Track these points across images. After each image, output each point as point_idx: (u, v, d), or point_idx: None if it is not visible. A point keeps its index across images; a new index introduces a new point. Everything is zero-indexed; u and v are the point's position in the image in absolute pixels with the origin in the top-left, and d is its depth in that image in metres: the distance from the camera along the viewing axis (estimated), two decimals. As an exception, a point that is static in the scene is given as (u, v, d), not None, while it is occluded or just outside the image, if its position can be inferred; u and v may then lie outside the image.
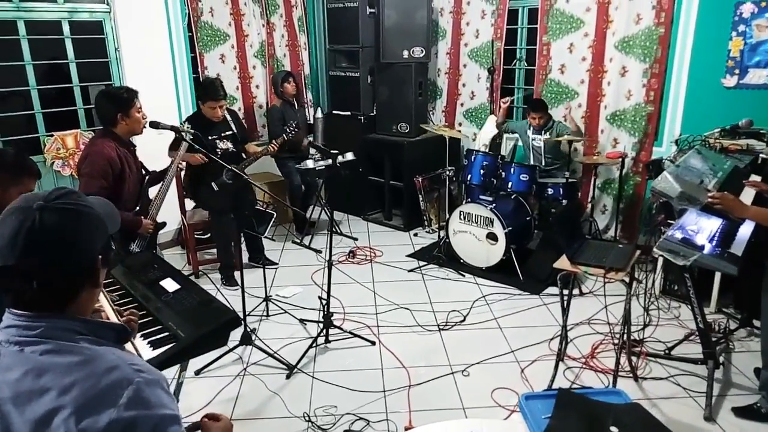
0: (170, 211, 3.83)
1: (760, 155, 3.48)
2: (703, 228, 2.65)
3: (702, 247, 2.42)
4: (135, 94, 2.98)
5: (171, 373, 2.16)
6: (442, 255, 4.52)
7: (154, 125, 3.13)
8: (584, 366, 3.09)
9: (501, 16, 5.19)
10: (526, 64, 5.34)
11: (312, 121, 5.77)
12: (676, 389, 2.87)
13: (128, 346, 1.21)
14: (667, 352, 3.15)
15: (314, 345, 3.27)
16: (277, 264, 4.52)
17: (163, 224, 3.25)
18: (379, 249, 4.88)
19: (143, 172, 3.21)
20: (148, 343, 1.84)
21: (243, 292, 3.33)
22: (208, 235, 4.80)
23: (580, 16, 4.72)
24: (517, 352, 3.25)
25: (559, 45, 4.90)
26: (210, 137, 3.92)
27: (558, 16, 4.84)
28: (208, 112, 3.90)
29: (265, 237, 3.39)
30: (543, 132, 4.73)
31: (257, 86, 5.74)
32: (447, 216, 4.62)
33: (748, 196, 2.68)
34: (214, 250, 4.71)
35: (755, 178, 3.03)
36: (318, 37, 6.24)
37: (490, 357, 3.19)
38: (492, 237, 4.28)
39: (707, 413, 2.63)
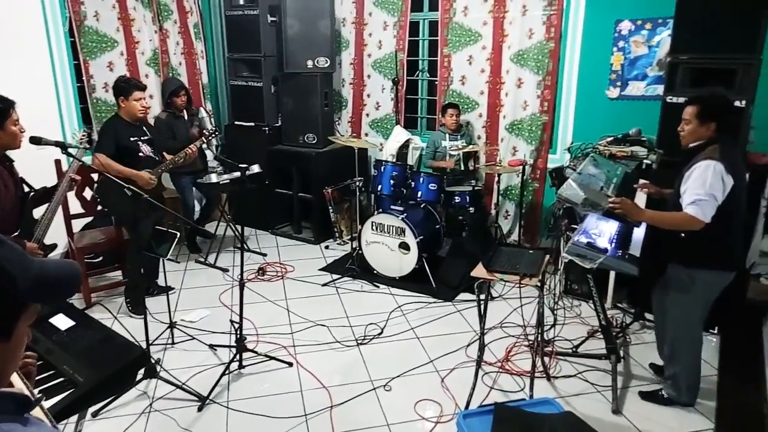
0: (57, 234, 3.46)
1: (644, 161, 3.80)
2: (603, 231, 2.82)
3: (605, 250, 2.57)
4: (11, 104, 2.65)
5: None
6: (356, 267, 4.47)
7: (36, 141, 2.80)
8: (501, 370, 3.17)
9: (403, 28, 5.27)
10: (428, 75, 5.46)
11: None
12: (584, 385, 3.03)
13: (36, 411, 1.02)
14: (574, 350, 3.32)
15: (227, 372, 3.07)
16: (173, 289, 4.20)
17: (54, 246, 2.92)
18: (289, 264, 4.74)
19: (25, 189, 2.86)
20: (39, 392, 1.60)
21: (146, 318, 3.06)
22: (100, 258, 4.40)
23: (478, 30, 4.91)
24: (435, 361, 3.27)
25: (459, 57, 5.07)
26: (132, 138, 3.68)
27: (457, 29, 5.00)
28: (135, 109, 3.65)
29: (168, 259, 3.14)
30: (459, 137, 4.87)
31: (151, 96, 5.35)
32: (358, 227, 4.58)
33: (640, 200, 2.90)
34: (110, 275, 4.33)
35: (643, 181, 3.30)
36: (216, 45, 5.98)
37: (410, 369, 3.18)
38: (404, 246, 4.30)
39: (614, 407, 2.80)
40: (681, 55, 3.40)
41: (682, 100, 3.27)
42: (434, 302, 4.05)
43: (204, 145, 4.40)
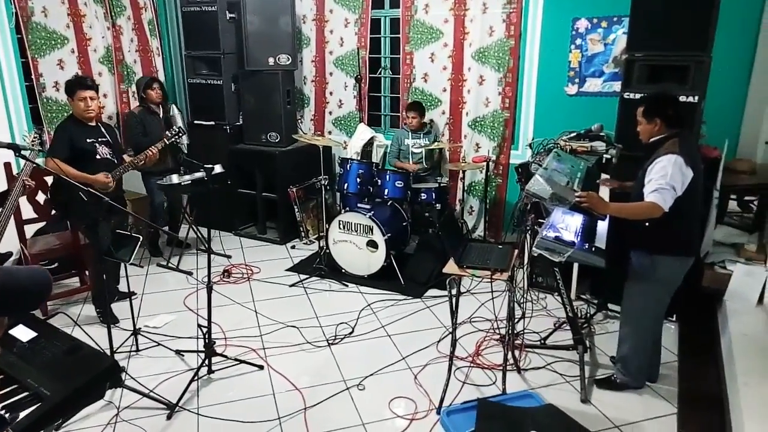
0: (10, 240, 3.30)
1: (604, 155, 3.91)
2: (569, 225, 2.89)
3: (573, 243, 2.63)
4: None
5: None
6: (323, 266, 4.44)
7: (-16, 144, 2.66)
8: (472, 364, 3.20)
9: (364, 25, 5.25)
10: (391, 73, 5.46)
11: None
12: (553, 376, 3.10)
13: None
14: (542, 342, 3.39)
15: (196, 377, 3.00)
16: (135, 294, 4.07)
17: (8, 255, 2.77)
18: (255, 265, 4.66)
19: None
20: (2, 407, 1.52)
21: (108, 325, 2.96)
22: (56, 264, 4.22)
23: (439, 27, 4.94)
24: (408, 358, 3.28)
25: (421, 54, 5.09)
26: (88, 140, 3.53)
27: (419, 26, 5.02)
28: (80, 108, 3.48)
29: (131, 263, 3.03)
30: (422, 136, 4.89)
31: (105, 95, 5.17)
32: (325, 226, 4.55)
33: (603, 194, 2.98)
34: (66, 281, 4.16)
35: (605, 176, 3.39)
36: (173, 42, 5.81)
37: (382, 367, 3.18)
38: (372, 244, 4.29)
39: (583, 396, 2.88)
40: (636, 53, 3.51)
41: (638, 96, 3.40)
42: (403, 299, 4.06)
43: (178, 143, 4.28)
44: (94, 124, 3.59)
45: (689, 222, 2.63)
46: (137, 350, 3.33)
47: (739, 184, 3.87)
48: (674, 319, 3.66)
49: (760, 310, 3.36)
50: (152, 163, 3.78)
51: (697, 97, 3.33)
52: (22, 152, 2.67)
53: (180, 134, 3.77)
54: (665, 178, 2.45)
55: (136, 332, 3.34)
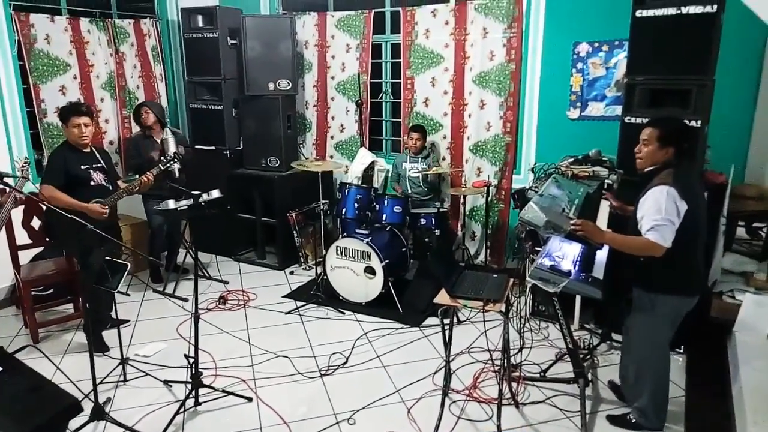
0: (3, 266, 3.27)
1: (606, 181, 3.82)
2: (566, 253, 2.79)
3: (569, 273, 2.53)
4: None
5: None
6: (321, 293, 4.35)
7: (-31, 170, 2.64)
8: (468, 398, 3.08)
9: (365, 50, 5.25)
10: (392, 97, 5.44)
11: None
12: (553, 411, 2.96)
13: None
14: (542, 374, 3.26)
15: (181, 410, 2.90)
16: (128, 321, 4.02)
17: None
18: (252, 292, 4.59)
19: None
20: (-46, 450, 1.45)
21: (92, 355, 2.86)
22: (50, 291, 4.18)
23: (440, 52, 4.92)
24: (402, 391, 3.16)
25: (422, 79, 5.06)
26: (83, 166, 3.51)
27: (419, 51, 5.00)
28: (74, 135, 3.46)
29: (118, 292, 2.97)
30: (421, 160, 4.84)
31: (106, 120, 5.21)
32: (323, 251, 4.48)
33: (603, 214, 2.87)
34: (60, 308, 4.10)
35: (604, 203, 3.30)
36: (176, 68, 5.86)
37: (375, 400, 3.06)
38: (370, 271, 4.21)
39: (583, 432, 2.74)
40: (637, 77, 3.44)
41: (640, 120, 3.31)
42: (401, 328, 3.95)
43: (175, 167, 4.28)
44: (88, 150, 3.57)
45: (690, 258, 2.50)
46: (125, 380, 3.25)
47: (747, 210, 3.75)
48: (682, 350, 3.52)
49: (772, 343, 3.21)
50: (147, 188, 3.74)
51: (700, 122, 3.24)
52: (5, 179, 2.63)
53: (175, 160, 3.74)
54: (660, 213, 2.33)
55: (123, 362, 3.26)
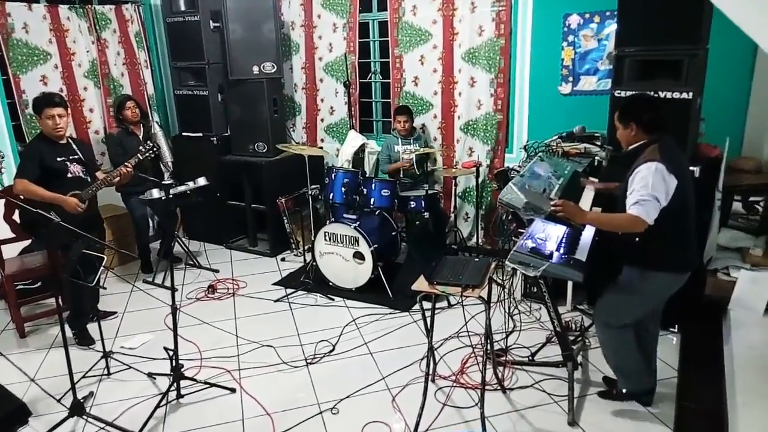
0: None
1: (596, 157, 3.71)
2: (550, 235, 2.69)
3: (551, 255, 2.44)
4: None
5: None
6: (310, 280, 4.29)
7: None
8: (455, 384, 3.02)
9: (352, 30, 5.12)
10: (381, 78, 5.31)
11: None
12: (541, 396, 2.90)
13: None
14: (530, 358, 3.19)
15: (162, 403, 2.86)
16: (115, 313, 3.99)
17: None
18: (242, 280, 4.54)
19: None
20: None
21: (66, 349, 2.80)
22: (38, 284, 4.15)
23: (428, 29, 4.78)
24: (388, 378, 3.11)
25: (410, 57, 4.93)
26: (59, 158, 3.42)
27: (407, 29, 4.86)
28: (48, 126, 3.38)
29: (95, 286, 2.92)
30: (412, 141, 4.74)
31: (91, 110, 5.13)
32: (311, 238, 4.41)
33: (587, 197, 2.78)
34: (48, 301, 4.07)
35: (593, 179, 3.19)
36: (161, 53, 5.74)
37: (360, 388, 3.01)
38: (359, 256, 4.14)
39: (570, 418, 2.67)
40: (627, 48, 3.30)
41: (629, 94, 3.18)
42: (391, 313, 3.89)
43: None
44: (64, 141, 3.50)
45: (682, 235, 2.41)
46: (108, 374, 3.22)
47: (744, 184, 3.62)
48: (676, 330, 3.44)
49: (767, 321, 3.12)
50: (127, 179, 3.67)
51: (692, 93, 3.11)
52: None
53: (154, 150, 3.65)
54: (646, 189, 2.24)
55: (106, 355, 3.23)
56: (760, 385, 2.51)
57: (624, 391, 2.78)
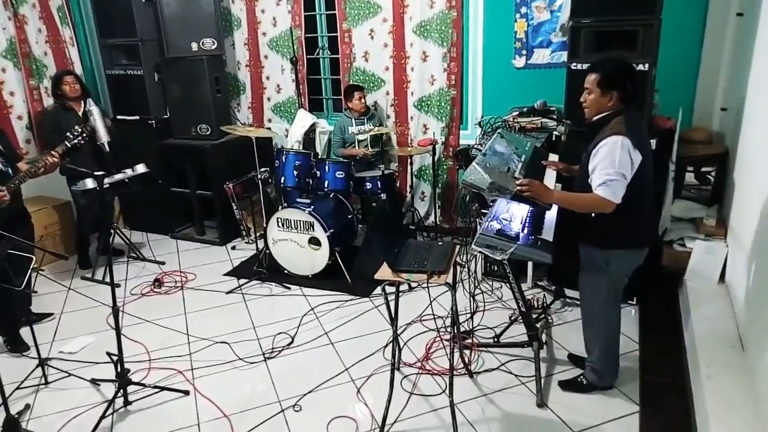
0: None
1: (554, 132, 3.65)
2: (515, 214, 2.62)
3: (517, 236, 2.36)
4: None
5: None
6: (264, 268, 4.09)
7: None
8: (421, 371, 2.94)
9: (297, 2, 4.86)
10: (329, 53, 5.07)
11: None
12: (508, 378, 2.85)
13: None
14: (496, 340, 3.14)
15: (109, 412, 2.64)
16: (52, 315, 3.69)
17: None
18: (191, 271, 4.29)
19: None
20: None
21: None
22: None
23: (377, 1, 4.58)
24: (351, 369, 2.99)
25: (359, 31, 4.72)
26: None
27: (354, 0, 4.64)
28: None
29: (23, 291, 2.64)
30: (366, 121, 4.56)
31: (11, 93, 4.66)
32: (263, 224, 4.19)
33: (550, 176, 2.71)
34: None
35: (552, 156, 3.12)
36: (88, 30, 5.28)
37: (322, 382, 2.88)
38: (315, 242, 3.97)
39: (539, 399, 2.64)
40: (582, 19, 3.22)
41: (586, 66, 3.11)
42: (351, 300, 3.76)
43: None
44: None
45: (641, 211, 2.35)
46: (46, 382, 2.95)
47: (696, 155, 3.66)
48: (635, 302, 3.47)
49: (722, 289, 3.17)
50: (54, 169, 3.33)
51: (648, 64, 3.08)
52: None
53: (83, 135, 3.32)
54: (613, 166, 2.16)
55: (43, 362, 2.95)
56: (722, 356, 2.54)
57: (586, 382, 2.72)
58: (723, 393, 2.32)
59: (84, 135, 3.31)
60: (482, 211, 2.88)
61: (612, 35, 3.17)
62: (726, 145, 3.68)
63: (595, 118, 2.38)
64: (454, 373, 2.67)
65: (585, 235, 2.45)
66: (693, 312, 2.98)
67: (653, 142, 3.05)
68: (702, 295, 3.15)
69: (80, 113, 4.21)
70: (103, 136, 4.25)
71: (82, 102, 4.24)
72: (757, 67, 3.05)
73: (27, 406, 2.78)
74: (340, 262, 3.94)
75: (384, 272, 2.43)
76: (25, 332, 3.28)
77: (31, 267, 2.65)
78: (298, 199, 4.10)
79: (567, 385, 2.76)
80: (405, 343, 3.19)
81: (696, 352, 2.64)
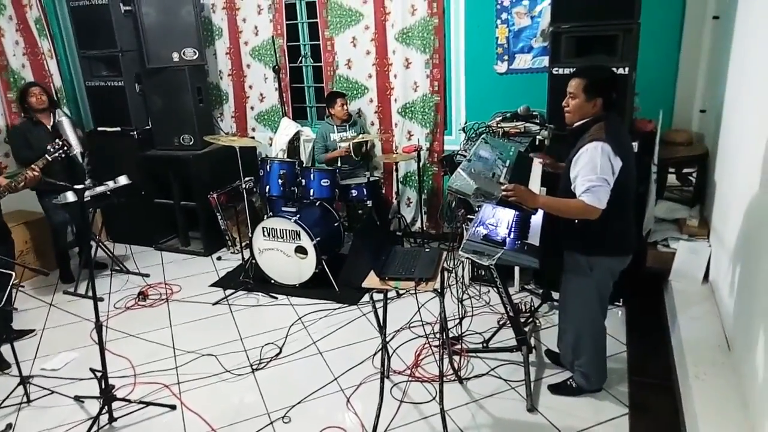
0: None
1: (537, 137, 3.67)
2: (501, 219, 2.62)
3: (504, 241, 2.36)
4: None
5: None
6: (250, 278, 4.06)
7: None
8: (411, 378, 2.92)
9: (279, 11, 4.84)
10: (312, 61, 5.07)
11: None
12: (498, 383, 2.84)
13: None
14: (485, 345, 3.13)
15: (93, 429, 2.58)
16: (33, 331, 3.61)
17: None
18: (176, 283, 4.24)
19: None
20: None
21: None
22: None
23: (358, 9, 4.58)
24: (340, 378, 2.96)
25: (342, 39, 4.72)
26: None
27: (336, 9, 4.64)
28: None
29: (5, 307, 2.58)
30: (348, 128, 4.56)
31: (-10, 106, 4.60)
32: (249, 234, 4.16)
33: (536, 175, 2.71)
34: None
35: (537, 162, 3.14)
36: (67, 42, 5.22)
37: (311, 392, 2.85)
38: (301, 251, 3.94)
39: (529, 404, 2.63)
40: (562, 25, 3.26)
41: (567, 71, 3.14)
42: (338, 308, 3.74)
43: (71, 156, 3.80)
44: None
45: (623, 217, 2.36)
46: (28, 401, 2.88)
47: (677, 156, 3.71)
48: (621, 303, 3.49)
49: (707, 289, 3.21)
50: (34, 183, 3.28)
51: (627, 69, 3.11)
52: None
53: (65, 148, 3.28)
54: (595, 172, 2.17)
55: (24, 380, 2.89)
56: (709, 356, 2.56)
57: (575, 386, 2.72)
58: (711, 393, 2.34)
59: (65, 148, 3.26)
60: (468, 216, 2.88)
61: (592, 40, 3.21)
62: (706, 146, 3.74)
63: (576, 124, 2.39)
64: (444, 379, 2.67)
65: (569, 241, 2.46)
66: (679, 313, 3.01)
67: (635, 144, 3.10)
68: (687, 296, 3.18)
69: (50, 126, 4.12)
70: (76, 147, 4.18)
71: (51, 114, 4.16)
72: (734, 69, 3.10)
73: (9, 426, 2.71)
74: (327, 270, 3.92)
75: (372, 281, 2.41)
76: (5, 350, 3.20)
77: (11, 283, 2.59)
78: (284, 208, 4.08)
79: (557, 389, 2.77)
80: (394, 351, 3.17)
81: (683, 352, 2.66)
